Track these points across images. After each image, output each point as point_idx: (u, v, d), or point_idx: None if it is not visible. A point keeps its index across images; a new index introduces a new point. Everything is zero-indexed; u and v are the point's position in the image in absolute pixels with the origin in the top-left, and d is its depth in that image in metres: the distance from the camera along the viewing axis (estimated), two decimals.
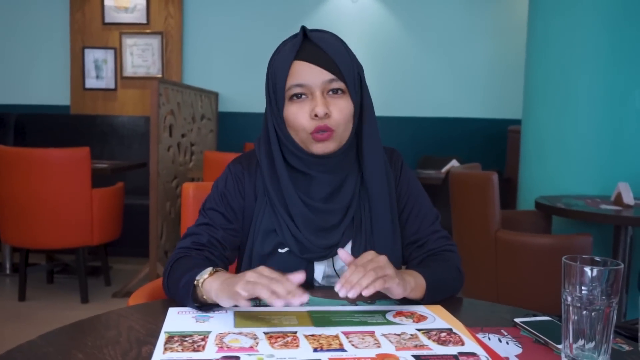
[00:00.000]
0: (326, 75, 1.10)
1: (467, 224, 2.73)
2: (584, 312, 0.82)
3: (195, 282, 0.99)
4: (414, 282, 1.05)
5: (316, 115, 1.09)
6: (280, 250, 1.18)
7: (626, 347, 0.92)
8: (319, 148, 1.13)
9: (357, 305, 1.07)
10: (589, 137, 3.14)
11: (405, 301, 1.08)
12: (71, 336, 0.88)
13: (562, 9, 3.19)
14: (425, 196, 1.30)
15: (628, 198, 2.73)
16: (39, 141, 4.71)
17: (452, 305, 1.10)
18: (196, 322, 0.94)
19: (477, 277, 2.62)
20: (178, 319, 0.95)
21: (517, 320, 1.01)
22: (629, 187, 2.78)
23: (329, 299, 1.09)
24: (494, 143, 5.05)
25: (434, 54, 5.11)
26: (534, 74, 3.39)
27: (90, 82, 5.14)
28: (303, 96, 1.11)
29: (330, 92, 1.12)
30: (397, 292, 1.01)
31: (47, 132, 4.96)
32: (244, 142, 4.90)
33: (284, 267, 1.10)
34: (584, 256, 0.85)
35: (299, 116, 1.11)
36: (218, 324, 0.93)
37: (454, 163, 4.35)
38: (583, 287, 0.82)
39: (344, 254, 1.02)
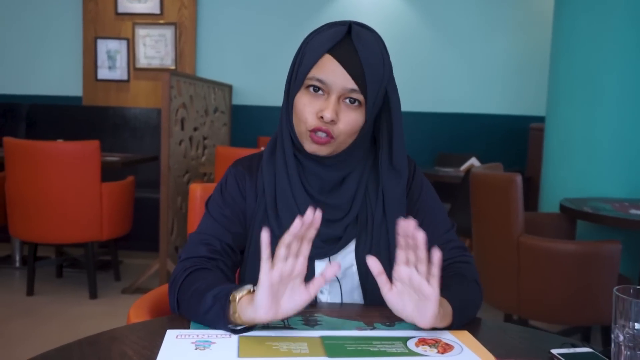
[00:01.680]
0: (349, 82, 1.03)
1: (488, 228, 2.63)
2: (639, 353, 0.72)
3: (231, 296, 0.90)
4: (442, 311, 0.94)
5: (322, 117, 1.03)
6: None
7: None
8: (311, 148, 1.07)
9: (375, 328, 0.97)
10: (618, 136, 3.04)
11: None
12: None
13: (590, 3, 3.10)
14: (440, 204, 1.23)
15: None
16: (50, 132, 4.67)
17: (479, 329, 1.00)
18: (195, 349, 0.85)
19: (498, 284, 2.52)
20: (176, 345, 0.86)
21: (554, 352, 0.91)
22: None
23: (343, 318, 1.00)
24: (514, 140, 4.94)
25: (453, 48, 5.00)
26: (559, 70, 3.30)
27: (103, 73, 5.08)
28: (319, 91, 1.05)
29: (347, 100, 1.05)
30: (429, 315, 0.90)
31: (59, 123, 4.93)
32: (258, 135, 4.83)
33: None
34: (638, 287, 0.75)
35: (306, 109, 1.06)
36: (220, 352, 0.83)
37: (473, 161, 4.25)
38: (637, 324, 0.72)
39: (373, 262, 0.91)
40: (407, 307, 0.92)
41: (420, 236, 0.87)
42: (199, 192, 1.52)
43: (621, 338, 0.74)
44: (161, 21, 5.01)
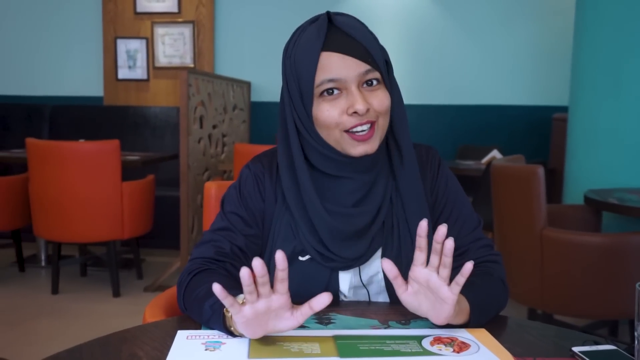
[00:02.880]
0: (361, 66, 0.98)
1: (510, 221, 2.60)
2: None
3: (225, 311, 0.87)
4: (458, 308, 0.91)
5: (355, 112, 0.97)
6: (300, 258, 1.07)
7: None
8: (360, 149, 1.00)
9: (389, 327, 0.95)
10: None
11: (446, 324, 0.96)
12: None
13: None
14: (466, 199, 1.17)
15: None
16: (72, 132, 4.72)
17: (497, 326, 0.97)
18: (205, 349, 0.83)
19: (521, 278, 2.49)
20: (186, 346, 0.85)
21: (576, 349, 0.88)
22: None
23: (358, 317, 0.99)
24: (537, 131, 4.87)
25: (473, 38, 4.94)
26: (582, 58, 3.25)
27: (123, 73, 5.12)
28: (336, 91, 0.99)
29: (365, 85, 1.00)
30: (444, 314, 0.89)
31: (81, 123, 4.98)
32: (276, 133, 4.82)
33: (305, 276, 1.02)
34: None
35: (333, 114, 0.99)
36: (230, 353, 0.82)
37: (495, 153, 4.19)
38: None
39: (389, 265, 0.89)
40: (423, 305, 0.90)
41: (450, 244, 0.85)
42: (213, 190, 1.51)
43: None
44: (179, 20, 5.03)
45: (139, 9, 5.06)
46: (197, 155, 3.69)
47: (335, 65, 0.98)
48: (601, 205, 2.59)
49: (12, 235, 4.00)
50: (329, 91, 0.99)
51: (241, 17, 5.04)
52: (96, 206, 3.40)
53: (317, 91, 0.99)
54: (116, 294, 3.54)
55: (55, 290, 3.55)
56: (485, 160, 4.15)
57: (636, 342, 0.73)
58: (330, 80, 0.98)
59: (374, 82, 1.00)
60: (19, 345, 2.79)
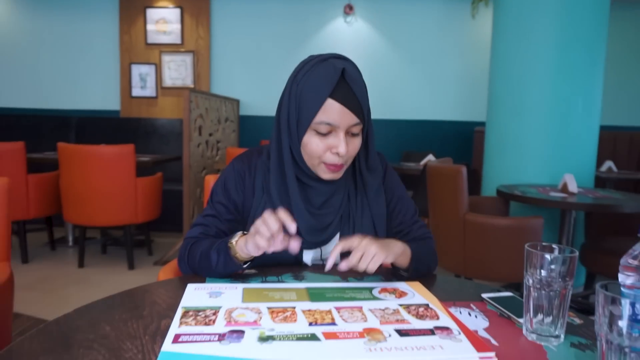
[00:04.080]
0: (354, 119, 0.99)
1: (441, 208, 2.66)
2: (543, 293, 0.76)
3: (229, 244, 0.96)
4: (402, 247, 0.99)
5: (337, 153, 1.00)
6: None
7: (577, 321, 0.85)
8: (328, 176, 1.04)
9: (347, 281, 1.00)
10: (541, 136, 3.07)
11: (389, 278, 1.02)
12: (102, 310, 0.81)
13: (519, 32, 3.13)
14: (406, 192, 1.22)
15: (572, 187, 2.65)
16: (94, 139, 4.65)
17: (429, 281, 1.03)
18: (210, 297, 0.87)
19: (448, 251, 2.55)
20: (194, 294, 0.88)
21: (484, 295, 0.95)
22: (574, 177, 2.71)
23: (325, 274, 1.03)
24: (462, 141, 4.98)
25: (414, 67, 5.02)
26: (496, 84, 3.32)
27: (136, 91, 5.06)
28: (326, 131, 1.00)
29: (350, 133, 1.02)
30: (387, 263, 0.96)
31: (102, 131, 4.90)
32: (260, 139, 4.84)
33: (278, 253, 1.00)
34: (543, 243, 0.78)
35: (320, 148, 1.00)
36: (228, 299, 0.86)
37: (430, 157, 4.28)
38: (542, 271, 0.76)
39: (330, 262, 0.93)
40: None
41: (344, 266, 0.92)
42: (212, 181, 1.54)
43: (530, 281, 0.77)
44: (182, 49, 4.99)
45: (150, 40, 5.00)
46: (196, 157, 3.68)
47: (335, 113, 0.98)
48: (509, 197, 2.66)
49: (45, 221, 3.93)
50: (323, 130, 1.00)
51: (232, 47, 5.03)
52: (115, 197, 3.37)
53: (313, 126, 0.99)
54: (131, 267, 3.51)
55: (81, 264, 3.51)
56: (423, 162, 4.23)
57: (524, 288, 0.79)
58: (327, 124, 0.98)
59: (357, 131, 1.02)
60: (52, 308, 2.76)
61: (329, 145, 1.00)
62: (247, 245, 0.92)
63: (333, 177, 1.05)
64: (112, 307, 0.82)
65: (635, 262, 0.61)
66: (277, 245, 0.90)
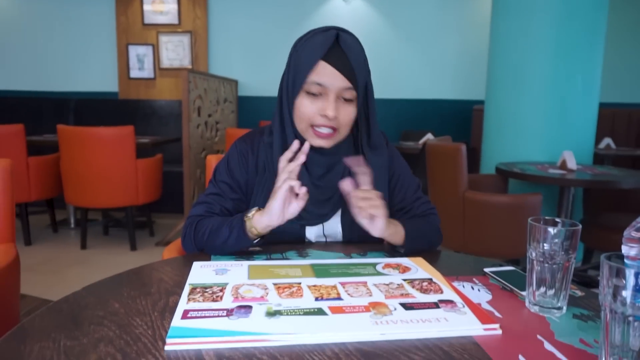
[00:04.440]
0: (345, 83, 0.99)
1: (440, 186, 2.67)
2: (546, 266, 0.76)
3: (245, 218, 0.97)
4: (393, 228, 1.00)
5: (325, 116, 1.00)
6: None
7: (579, 293, 0.86)
8: (317, 142, 1.04)
9: (351, 257, 1.01)
10: (540, 114, 3.06)
11: (392, 253, 1.03)
12: (110, 287, 0.82)
13: (519, 10, 3.09)
14: (408, 169, 1.22)
15: (571, 164, 2.66)
16: (93, 120, 4.63)
17: (431, 257, 1.04)
18: (216, 274, 0.87)
19: (448, 229, 2.57)
20: (201, 272, 0.89)
21: (487, 270, 0.95)
22: (572, 154, 2.71)
23: (328, 251, 1.04)
24: (461, 119, 4.96)
25: (414, 46, 4.97)
26: (495, 64, 3.29)
27: (134, 73, 5.01)
28: (318, 94, 1.00)
29: (342, 98, 1.02)
30: (378, 226, 0.97)
31: (100, 113, 4.87)
32: (259, 120, 4.81)
33: (282, 229, 1.02)
34: (546, 217, 0.79)
35: (309, 109, 1.01)
36: (234, 276, 0.87)
37: (429, 136, 4.27)
38: (545, 244, 0.76)
39: (346, 184, 0.98)
40: (364, 220, 0.98)
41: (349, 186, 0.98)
42: (214, 161, 1.54)
43: (533, 255, 0.78)
44: (179, 30, 4.93)
45: (147, 21, 4.93)
46: (196, 138, 3.67)
47: (326, 74, 0.98)
48: (508, 174, 2.66)
49: (47, 203, 3.93)
50: (313, 91, 1.00)
51: (230, 27, 4.96)
52: (116, 179, 3.37)
53: (305, 87, 1.00)
54: (133, 248, 3.53)
55: (84, 246, 3.52)
56: (422, 141, 4.23)
57: (527, 261, 0.80)
58: (317, 84, 0.99)
59: (349, 98, 1.02)
60: (57, 288, 2.78)
61: (319, 108, 1.01)
62: (262, 216, 0.96)
63: (322, 145, 1.04)
64: (120, 285, 0.83)
65: (639, 235, 0.61)
66: (297, 206, 0.96)
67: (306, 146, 0.98)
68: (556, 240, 0.76)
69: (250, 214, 0.98)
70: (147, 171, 3.51)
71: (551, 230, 0.76)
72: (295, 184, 0.94)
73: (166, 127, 4.88)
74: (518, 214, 2.38)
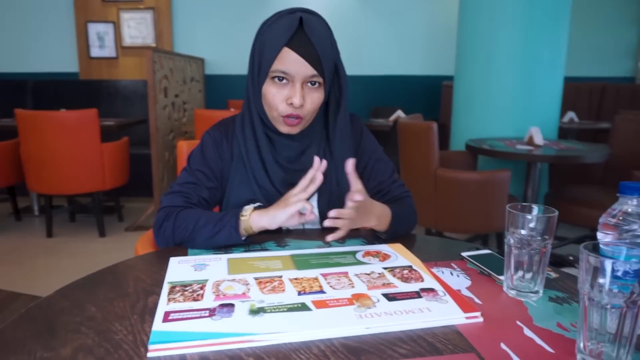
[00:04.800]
0: (310, 70, 0.98)
1: (412, 164, 2.69)
2: (524, 251, 0.78)
3: (241, 217, 0.96)
4: (382, 211, 1.03)
5: (291, 104, 0.99)
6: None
7: (553, 275, 0.89)
8: (285, 130, 1.04)
9: (330, 246, 1.00)
10: (508, 90, 3.10)
11: (371, 240, 1.03)
12: (85, 289, 0.79)
13: None
14: (382, 152, 1.22)
15: (538, 139, 2.72)
16: (53, 103, 4.44)
17: (409, 242, 1.05)
18: (195, 270, 0.86)
19: (420, 206, 2.58)
20: (179, 268, 0.87)
21: (464, 254, 0.97)
22: (539, 130, 2.77)
23: (307, 240, 1.03)
24: (431, 95, 5.00)
25: (381, 21, 4.94)
26: (465, 39, 3.30)
27: (95, 52, 4.81)
28: (284, 80, 0.99)
29: (309, 84, 1.00)
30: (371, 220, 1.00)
31: (60, 95, 4.67)
32: (228, 99, 4.72)
33: None
34: (524, 204, 0.80)
35: (276, 98, 1.00)
36: (214, 271, 0.85)
37: (399, 113, 4.28)
38: (523, 231, 0.77)
39: (350, 164, 0.97)
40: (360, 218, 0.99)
41: (351, 165, 0.96)
42: (185, 147, 1.50)
43: (511, 241, 0.79)
44: (141, 6, 4.74)
45: None
46: (163, 120, 3.57)
47: (291, 62, 0.97)
48: (477, 151, 2.71)
49: (8, 191, 3.78)
50: (279, 78, 0.99)
51: (194, 3, 4.80)
52: (80, 164, 3.26)
53: (270, 74, 0.99)
54: (102, 234, 3.45)
55: (49, 234, 3.42)
56: (392, 118, 4.24)
57: (505, 247, 0.81)
58: (282, 72, 0.98)
59: (316, 84, 1.01)
60: (24, 280, 2.70)
61: (285, 96, 1.00)
62: (262, 218, 0.95)
63: (290, 131, 1.04)
64: (94, 286, 0.80)
65: (614, 221, 0.62)
66: (298, 220, 0.95)
67: (323, 164, 0.97)
68: (533, 225, 0.77)
69: (246, 213, 0.97)
70: (113, 155, 3.41)
71: (529, 216, 0.77)
72: (308, 208, 0.93)
73: (131, 108, 4.72)
74: (488, 190, 2.43)
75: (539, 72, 3.08)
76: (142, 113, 4.63)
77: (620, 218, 0.62)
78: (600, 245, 0.63)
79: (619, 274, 0.57)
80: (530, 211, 0.79)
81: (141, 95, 4.71)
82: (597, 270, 0.58)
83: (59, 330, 0.65)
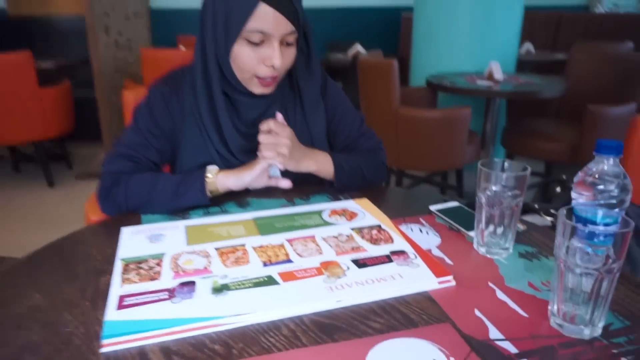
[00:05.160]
0: (289, 26, 0.89)
1: (373, 103, 2.64)
2: (495, 208, 0.76)
3: (207, 178, 0.91)
4: (321, 158, 1.00)
5: (272, 66, 0.90)
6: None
7: (522, 227, 0.88)
8: (260, 90, 0.96)
9: (295, 204, 0.96)
10: (469, 23, 3.03)
11: (334, 195, 0.99)
12: (28, 273, 0.71)
13: None
14: (349, 104, 1.14)
15: (498, 74, 2.70)
16: None
17: (376, 195, 1.01)
18: (150, 242, 0.79)
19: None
20: (132, 240, 0.80)
21: (432, 208, 0.95)
22: (499, 65, 2.74)
23: (269, 198, 0.98)
24: (389, 28, 4.85)
25: None
26: None
27: None
28: (260, 42, 0.89)
29: (285, 43, 0.91)
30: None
31: None
32: (176, 34, 4.42)
33: None
34: (495, 160, 0.77)
35: (251, 59, 0.90)
36: (171, 242, 0.79)
37: (357, 47, 4.15)
38: (494, 188, 0.75)
39: (280, 116, 0.98)
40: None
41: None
42: (131, 99, 1.37)
43: (483, 199, 0.77)
44: None
45: None
46: (107, 60, 3.32)
47: (268, 20, 0.86)
48: (438, 88, 2.67)
49: None
50: (254, 40, 0.89)
51: None
52: (19, 111, 3.01)
53: (244, 35, 0.88)
54: (50, 184, 3.28)
55: None
56: (350, 53, 4.11)
57: (477, 202, 0.79)
58: (260, 32, 0.87)
59: (291, 41, 0.92)
60: None
61: (262, 56, 0.91)
62: (228, 179, 0.93)
63: (265, 92, 0.97)
64: (38, 268, 0.73)
65: (590, 179, 0.60)
66: (266, 181, 0.97)
67: (280, 118, 0.96)
68: (504, 184, 0.74)
69: (211, 174, 0.93)
70: (55, 100, 3.17)
71: (501, 174, 0.74)
72: (276, 168, 0.93)
73: (71, 47, 4.36)
74: (449, 128, 2.43)
75: (500, 6, 3.01)
76: (82, 53, 4.27)
77: (597, 176, 0.59)
78: (574, 207, 0.61)
79: (595, 238, 0.56)
80: (501, 169, 0.76)
81: (80, 33, 4.32)
82: (574, 232, 0.57)
83: (1, 326, 0.59)
